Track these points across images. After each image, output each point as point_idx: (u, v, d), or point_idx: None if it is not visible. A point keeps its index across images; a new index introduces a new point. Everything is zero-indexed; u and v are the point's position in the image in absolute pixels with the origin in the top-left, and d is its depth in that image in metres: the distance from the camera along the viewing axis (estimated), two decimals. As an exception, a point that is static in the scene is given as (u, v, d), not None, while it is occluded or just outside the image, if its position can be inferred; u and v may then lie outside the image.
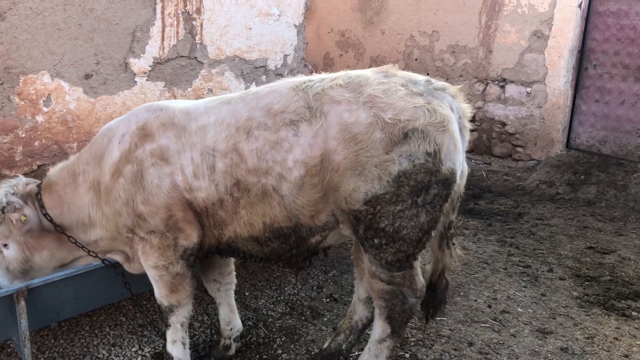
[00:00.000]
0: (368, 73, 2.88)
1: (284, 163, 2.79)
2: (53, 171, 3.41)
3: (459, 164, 2.85)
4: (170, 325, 3.33)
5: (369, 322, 3.59)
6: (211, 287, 3.77)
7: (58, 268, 3.50)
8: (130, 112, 3.26)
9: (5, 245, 3.30)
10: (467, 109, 2.94)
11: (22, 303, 3.14)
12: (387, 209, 2.73)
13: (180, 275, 3.19)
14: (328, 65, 12.49)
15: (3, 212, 3.16)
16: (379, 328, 3.14)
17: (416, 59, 10.69)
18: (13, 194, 3.23)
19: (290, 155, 2.78)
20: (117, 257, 3.48)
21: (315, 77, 2.96)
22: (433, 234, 2.93)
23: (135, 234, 3.14)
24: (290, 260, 3.17)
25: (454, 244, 3.26)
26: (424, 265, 3.41)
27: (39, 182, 3.42)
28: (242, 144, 2.86)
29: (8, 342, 3.83)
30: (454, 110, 2.85)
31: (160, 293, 3.28)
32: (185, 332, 3.38)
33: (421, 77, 2.91)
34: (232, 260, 3.79)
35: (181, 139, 2.99)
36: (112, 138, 3.17)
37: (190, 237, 3.08)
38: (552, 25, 8.72)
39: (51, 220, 3.27)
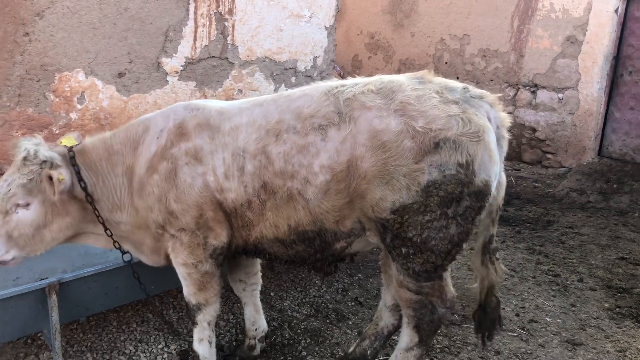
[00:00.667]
0: (402, 79, 2.83)
1: (310, 167, 2.77)
2: (87, 140, 3.28)
3: (495, 176, 2.75)
4: (197, 324, 3.34)
5: (395, 329, 3.56)
6: (237, 287, 3.79)
7: (58, 243, 3.23)
8: (168, 107, 3.28)
9: (26, 206, 3.00)
10: (506, 119, 2.84)
11: (54, 296, 3.19)
12: (415, 219, 2.68)
13: (208, 273, 3.20)
14: (356, 67, 12.46)
15: (41, 168, 2.96)
16: (407, 337, 3.10)
17: (446, 63, 10.60)
18: (47, 155, 3.01)
19: (317, 160, 2.76)
20: (128, 246, 3.40)
21: (349, 81, 2.93)
22: (464, 246, 2.86)
23: (166, 230, 3.16)
24: (315, 264, 3.15)
25: (497, 259, 3.13)
26: (472, 285, 3.30)
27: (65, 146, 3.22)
28: (271, 146, 2.85)
29: (38, 334, 3.90)
30: (491, 119, 2.76)
31: (188, 291, 3.29)
32: (212, 330, 3.40)
33: (458, 84, 2.82)
34: (259, 261, 3.80)
35: (215, 139, 3.00)
36: (149, 129, 3.17)
37: (220, 236, 3.10)
38: (587, 30, 8.56)
39: (85, 188, 3.10)
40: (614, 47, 8.49)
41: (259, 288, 3.84)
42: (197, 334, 3.38)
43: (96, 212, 3.17)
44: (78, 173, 3.09)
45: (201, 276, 3.20)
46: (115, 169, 3.21)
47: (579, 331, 4.27)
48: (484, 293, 3.16)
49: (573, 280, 5.16)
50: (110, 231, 3.28)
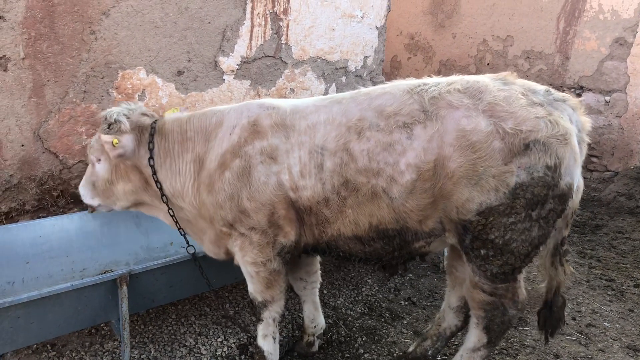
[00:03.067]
0: (486, 80, 2.80)
1: (396, 165, 2.75)
2: (168, 118, 3.42)
3: (577, 179, 2.74)
4: (262, 320, 3.39)
5: (458, 330, 3.56)
6: (297, 285, 3.82)
7: (128, 204, 3.52)
8: (241, 103, 3.30)
9: (98, 160, 3.39)
10: (587, 123, 2.82)
11: (125, 287, 3.26)
12: (499, 221, 2.68)
13: (276, 271, 3.23)
14: (395, 68, 12.43)
15: (109, 128, 3.21)
16: (475, 337, 3.10)
17: (488, 64, 10.49)
18: (128, 117, 3.25)
19: (403, 159, 2.74)
20: (189, 229, 3.49)
21: (430, 80, 2.90)
22: (542, 248, 2.85)
23: (235, 229, 3.18)
24: (390, 262, 3.14)
25: (567, 261, 3.14)
26: (539, 284, 3.35)
27: (155, 118, 3.42)
28: (353, 143, 2.84)
29: (102, 325, 4.01)
30: (573, 122, 2.73)
31: (255, 288, 3.34)
32: (277, 327, 3.44)
33: (540, 87, 2.79)
34: (318, 259, 3.83)
35: (290, 139, 3.00)
36: (222, 122, 3.19)
37: (289, 235, 3.11)
38: (637, 32, 8.38)
39: (153, 166, 3.28)
40: (665, 49, 8.30)
41: (319, 286, 3.87)
42: (261, 330, 3.43)
43: (161, 191, 3.31)
44: (152, 149, 3.28)
45: (269, 274, 3.23)
46: (185, 155, 3.28)
47: (639, 337, 4.19)
48: (551, 292, 3.17)
49: (629, 286, 5.07)
50: (172, 211, 3.39)
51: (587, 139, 2.83)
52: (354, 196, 2.88)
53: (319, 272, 3.89)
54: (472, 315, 3.09)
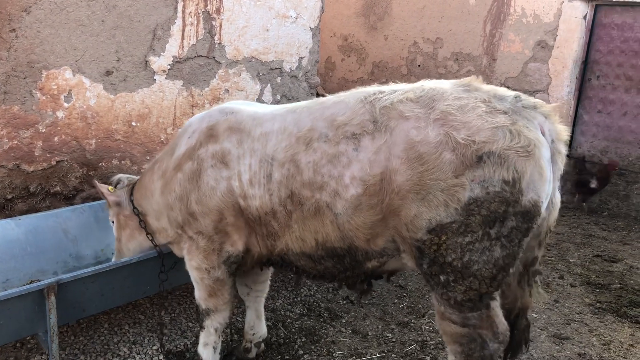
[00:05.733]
0: (446, 86, 2.58)
1: (340, 179, 2.58)
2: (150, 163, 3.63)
3: (546, 195, 2.45)
4: (204, 328, 3.33)
5: None
6: (242, 291, 3.76)
7: (141, 250, 3.68)
8: (209, 110, 3.28)
9: (112, 222, 3.72)
10: (563, 132, 2.52)
11: (53, 298, 3.11)
12: (454, 240, 2.42)
13: (220, 280, 3.17)
14: (329, 69, 12.52)
15: (115, 187, 3.63)
16: None
17: (419, 66, 10.76)
18: (128, 179, 3.69)
19: (348, 171, 2.57)
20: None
21: (388, 87, 2.71)
22: (511, 270, 2.54)
23: (185, 231, 3.15)
24: (347, 282, 2.98)
25: (536, 282, 2.85)
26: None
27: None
28: (301, 155, 2.70)
29: (28, 339, 3.80)
30: (545, 132, 2.46)
31: (199, 295, 3.28)
32: (219, 337, 3.38)
33: (509, 93, 2.52)
34: (270, 271, 3.78)
35: (243, 144, 2.91)
36: (185, 132, 3.19)
37: (236, 244, 3.06)
38: (557, 35, 8.82)
39: (132, 202, 3.48)
40: (583, 52, 8.77)
41: (264, 295, 3.83)
42: (203, 338, 3.36)
43: (141, 219, 3.48)
44: (131, 194, 3.52)
45: (213, 282, 3.17)
46: (153, 176, 3.38)
47: (565, 326, 4.41)
48: (513, 314, 2.86)
49: (554, 277, 5.32)
50: (153, 239, 3.50)
51: (563, 150, 2.54)
52: (299, 210, 2.74)
53: (268, 282, 3.83)
54: (449, 352, 2.75)
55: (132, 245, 3.66)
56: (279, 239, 2.91)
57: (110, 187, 3.59)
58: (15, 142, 4.25)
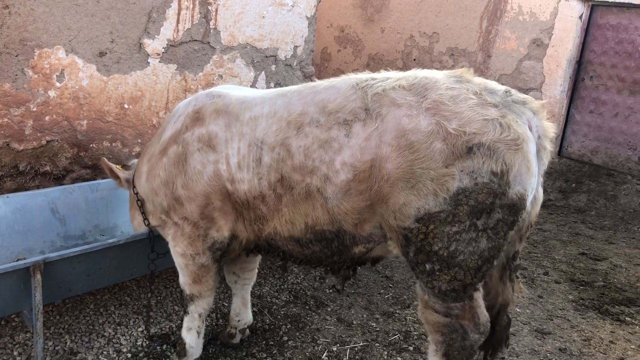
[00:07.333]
0: (439, 76, 2.58)
1: (331, 164, 2.60)
2: None
3: (531, 190, 2.48)
4: (188, 313, 3.35)
5: None
6: (229, 278, 3.78)
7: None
8: (196, 94, 3.26)
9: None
10: (550, 129, 2.55)
11: (38, 276, 3.10)
12: (442, 230, 2.44)
13: (205, 267, 3.18)
14: (325, 60, 12.51)
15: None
16: None
17: (414, 60, 10.76)
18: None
19: (339, 157, 2.58)
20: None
21: (380, 75, 2.72)
22: (495, 262, 2.57)
23: (170, 217, 3.14)
24: (333, 267, 3.01)
25: (517, 277, 2.90)
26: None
27: None
28: (292, 139, 2.71)
29: (13, 316, 3.81)
30: (532, 128, 2.48)
31: (183, 280, 3.30)
32: (202, 322, 3.39)
33: (500, 87, 2.54)
34: (258, 258, 3.80)
35: (231, 128, 2.90)
36: (173, 116, 3.19)
37: (222, 230, 3.06)
38: (552, 34, 8.85)
39: (131, 182, 3.48)
40: (577, 52, 8.81)
41: (252, 284, 3.84)
42: (186, 322, 3.38)
43: (138, 197, 3.45)
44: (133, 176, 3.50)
45: (197, 269, 3.18)
46: (142, 159, 3.37)
47: (547, 321, 4.46)
48: (495, 310, 2.89)
49: (539, 274, 5.37)
50: (148, 220, 3.46)
51: (549, 147, 2.56)
52: (289, 194, 2.76)
53: (256, 271, 3.85)
54: (430, 341, 2.78)
55: (135, 224, 3.69)
56: (267, 222, 2.92)
57: (118, 166, 3.59)
58: (6, 119, 4.23)
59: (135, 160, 3.74)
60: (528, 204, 2.50)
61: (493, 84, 2.56)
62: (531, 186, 2.46)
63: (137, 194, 3.45)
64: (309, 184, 2.68)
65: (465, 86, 2.50)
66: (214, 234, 3.08)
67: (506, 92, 2.51)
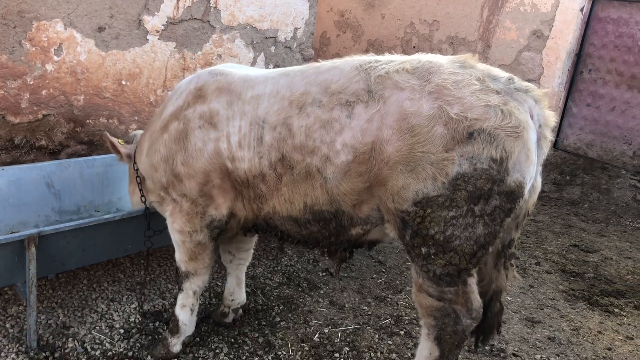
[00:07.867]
0: (442, 60, 2.56)
1: (331, 144, 2.60)
2: None
3: (530, 178, 2.47)
4: (183, 290, 3.36)
5: None
6: (225, 257, 3.79)
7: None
8: (198, 71, 3.24)
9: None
10: (551, 117, 2.53)
11: (33, 249, 3.10)
12: (439, 214, 2.44)
13: (202, 244, 3.19)
14: (324, 44, 12.44)
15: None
16: (426, 350, 2.80)
17: (414, 47, 10.72)
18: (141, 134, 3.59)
19: (340, 138, 2.58)
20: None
21: (383, 57, 2.71)
22: (490, 249, 2.58)
23: (168, 193, 3.14)
24: (329, 248, 3.02)
25: (512, 265, 2.91)
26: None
27: None
28: (293, 118, 2.71)
29: (6, 289, 3.81)
30: (534, 116, 2.46)
31: (179, 257, 3.30)
32: (196, 299, 3.41)
33: (503, 74, 2.53)
34: (254, 239, 3.82)
35: (233, 106, 2.90)
36: (174, 93, 3.18)
37: (220, 207, 3.06)
38: (553, 26, 8.83)
39: (132, 157, 3.52)
40: (577, 45, 8.80)
41: (247, 264, 3.86)
42: (180, 299, 3.39)
43: (138, 173, 3.49)
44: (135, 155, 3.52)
45: (194, 246, 3.19)
46: (144, 136, 3.39)
47: (537, 310, 4.50)
48: (488, 296, 2.89)
49: (531, 264, 5.41)
50: (145, 197, 3.50)
51: (549, 136, 2.55)
52: (289, 174, 2.76)
53: (251, 251, 3.86)
54: (423, 325, 2.81)
55: (134, 199, 3.73)
56: (266, 201, 2.92)
57: (120, 140, 3.58)
58: (2, 92, 4.19)
59: (137, 132, 3.74)
60: (526, 192, 2.50)
61: (496, 71, 2.55)
62: (530, 174, 2.46)
63: (137, 170, 3.45)
64: (309, 164, 2.68)
65: (469, 72, 2.48)
66: (212, 212, 3.08)
67: (509, 79, 2.51)
